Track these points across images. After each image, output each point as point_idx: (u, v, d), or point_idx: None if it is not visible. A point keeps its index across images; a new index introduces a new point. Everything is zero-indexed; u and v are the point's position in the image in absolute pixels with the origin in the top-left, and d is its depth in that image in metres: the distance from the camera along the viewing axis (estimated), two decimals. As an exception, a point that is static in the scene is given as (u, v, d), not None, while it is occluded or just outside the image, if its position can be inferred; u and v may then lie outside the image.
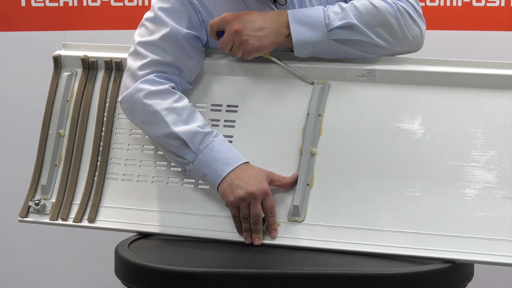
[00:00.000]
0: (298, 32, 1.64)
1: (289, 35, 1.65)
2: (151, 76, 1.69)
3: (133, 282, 1.50)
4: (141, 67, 1.70)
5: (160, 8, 1.72)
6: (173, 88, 1.70)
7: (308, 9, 1.67)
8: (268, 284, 1.41)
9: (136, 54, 1.73)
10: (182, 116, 1.66)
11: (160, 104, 1.66)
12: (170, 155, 1.69)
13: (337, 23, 1.63)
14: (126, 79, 1.72)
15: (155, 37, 1.71)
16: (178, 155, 1.66)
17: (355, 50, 1.67)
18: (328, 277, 1.41)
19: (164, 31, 1.70)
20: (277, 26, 1.65)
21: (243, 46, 1.65)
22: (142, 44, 1.72)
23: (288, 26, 1.65)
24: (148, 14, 1.75)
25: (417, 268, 1.43)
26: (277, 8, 1.71)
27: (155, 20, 1.72)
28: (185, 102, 1.69)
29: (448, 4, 2.61)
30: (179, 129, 1.64)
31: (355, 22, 1.63)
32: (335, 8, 1.65)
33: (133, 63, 1.72)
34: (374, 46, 1.66)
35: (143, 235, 1.68)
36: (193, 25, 1.72)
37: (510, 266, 1.48)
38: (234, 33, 1.64)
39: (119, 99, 1.73)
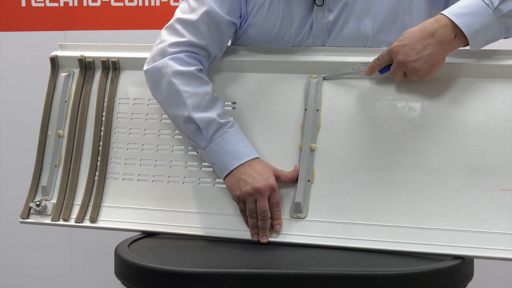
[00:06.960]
0: (468, 25, 1.55)
1: (455, 36, 1.56)
2: (181, 55, 1.68)
3: (133, 283, 1.50)
4: (173, 45, 1.69)
5: None
6: (200, 70, 1.69)
7: (460, 1, 1.58)
8: (269, 284, 1.41)
9: (172, 29, 1.71)
10: (203, 102, 1.65)
11: (183, 85, 1.66)
12: (185, 135, 1.70)
13: None
14: (155, 51, 1.70)
15: (194, 16, 1.69)
16: (192, 139, 1.66)
17: None
18: (328, 277, 1.40)
19: (204, 10, 1.69)
20: (439, 34, 1.56)
21: (414, 74, 1.58)
22: (181, 21, 1.71)
23: (451, 28, 1.56)
24: None
25: (417, 268, 1.42)
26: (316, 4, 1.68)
27: None
28: (208, 87, 1.68)
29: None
30: (197, 115, 1.64)
31: None
32: None
33: (167, 37, 1.71)
34: None
35: (143, 235, 1.68)
36: (234, 10, 1.71)
37: (510, 260, 1.47)
38: (400, 65, 1.57)
39: (144, 68, 1.71)
